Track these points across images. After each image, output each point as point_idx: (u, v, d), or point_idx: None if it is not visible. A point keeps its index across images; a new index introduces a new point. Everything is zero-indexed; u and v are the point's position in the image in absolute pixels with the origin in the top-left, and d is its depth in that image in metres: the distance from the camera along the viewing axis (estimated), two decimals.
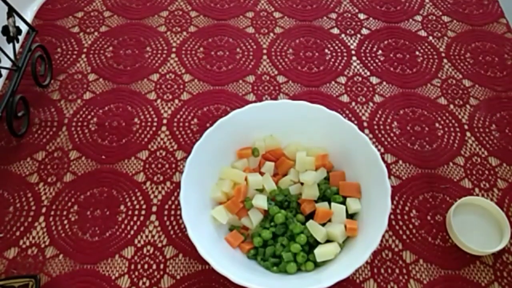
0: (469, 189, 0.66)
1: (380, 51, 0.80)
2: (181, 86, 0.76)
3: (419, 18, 0.85)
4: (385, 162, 0.68)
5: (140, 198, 0.65)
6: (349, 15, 0.85)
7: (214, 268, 0.53)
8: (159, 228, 0.63)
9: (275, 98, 0.74)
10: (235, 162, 0.64)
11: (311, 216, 0.60)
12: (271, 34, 0.82)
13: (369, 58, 0.79)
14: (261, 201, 0.60)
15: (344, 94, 0.75)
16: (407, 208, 0.64)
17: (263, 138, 0.65)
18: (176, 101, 0.74)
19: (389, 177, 0.63)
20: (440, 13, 0.86)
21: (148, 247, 0.62)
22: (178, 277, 0.59)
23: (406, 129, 0.71)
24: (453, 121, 0.72)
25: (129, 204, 0.65)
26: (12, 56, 0.68)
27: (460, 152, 0.69)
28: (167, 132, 0.71)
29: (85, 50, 0.80)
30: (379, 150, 0.68)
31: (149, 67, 0.78)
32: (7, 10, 0.69)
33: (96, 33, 0.82)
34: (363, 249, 0.55)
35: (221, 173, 0.63)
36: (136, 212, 0.64)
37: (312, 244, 0.58)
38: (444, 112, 0.73)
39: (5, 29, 0.68)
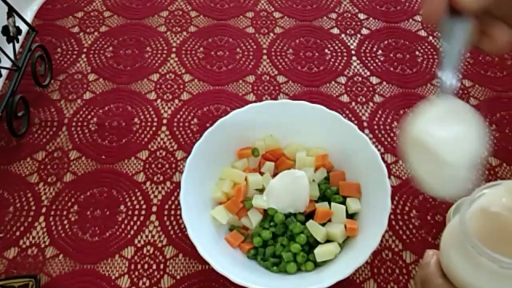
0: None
1: (380, 51, 0.80)
2: (181, 86, 0.76)
3: (419, 18, 0.85)
4: (385, 162, 0.67)
5: (140, 198, 0.65)
6: (349, 15, 0.85)
7: (214, 268, 0.53)
8: (159, 228, 0.63)
9: (275, 98, 0.74)
10: (235, 162, 0.64)
11: (311, 216, 0.60)
12: (271, 34, 0.82)
13: (369, 58, 0.79)
14: (260, 201, 0.60)
15: (344, 94, 0.75)
16: (407, 208, 0.64)
17: (263, 138, 0.65)
18: (176, 101, 0.74)
19: (389, 177, 0.63)
20: None
21: (148, 247, 0.62)
22: (178, 277, 0.59)
23: None
24: None
25: (129, 204, 0.65)
26: (12, 56, 0.68)
27: None
28: (167, 132, 0.71)
29: (85, 50, 0.80)
30: (379, 150, 0.68)
31: (149, 67, 0.78)
32: (7, 10, 0.69)
33: (96, 33, 0.82)
34: (363, 249, 0.54)
35: (221, 173, 0.63)
36: (136, 212, 0.64)
37: (312, 244, 0.58)
38: None
39: (5, 29, 0.68)
